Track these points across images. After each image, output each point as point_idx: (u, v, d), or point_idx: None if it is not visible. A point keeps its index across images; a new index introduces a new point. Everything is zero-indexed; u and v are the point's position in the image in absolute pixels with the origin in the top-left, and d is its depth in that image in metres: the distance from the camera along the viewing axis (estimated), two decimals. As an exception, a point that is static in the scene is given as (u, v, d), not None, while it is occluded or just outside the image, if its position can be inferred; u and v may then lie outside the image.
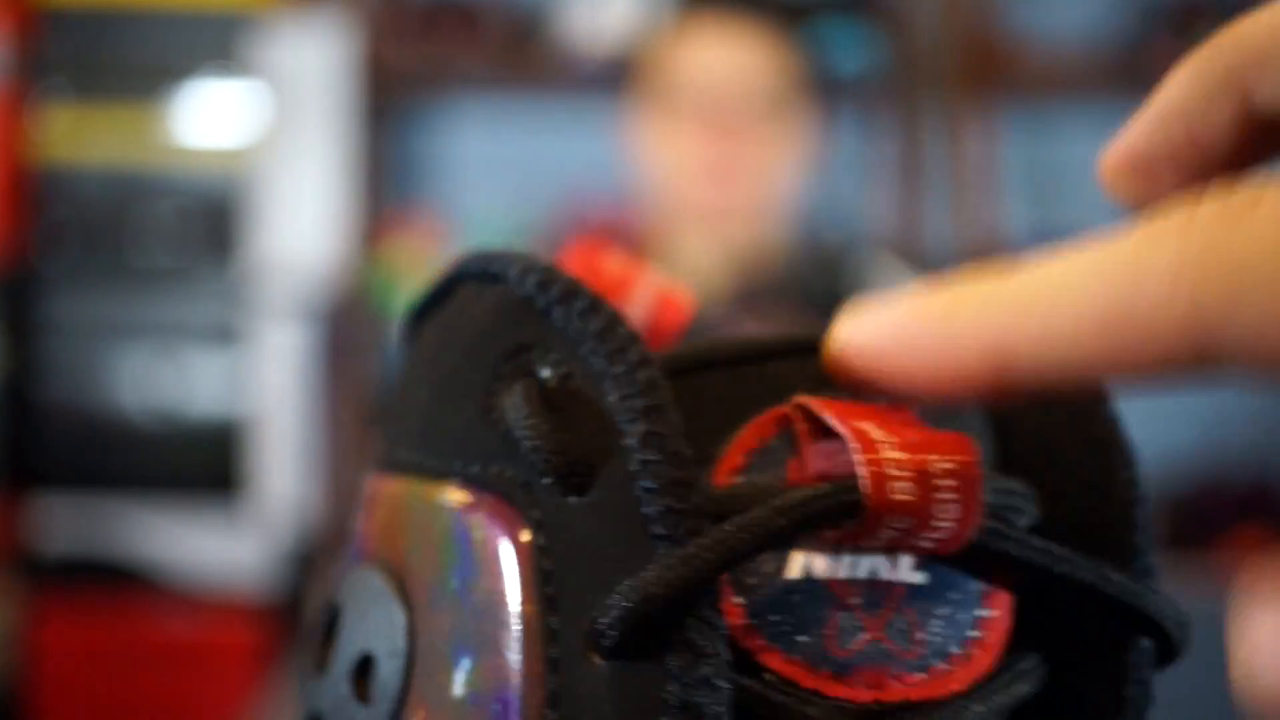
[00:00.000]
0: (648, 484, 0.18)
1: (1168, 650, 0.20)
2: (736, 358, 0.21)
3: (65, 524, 2.02)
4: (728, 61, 1.13)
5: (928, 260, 2.01)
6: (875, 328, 0.19)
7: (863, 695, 0.19)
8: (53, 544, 2.02)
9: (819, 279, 1.15)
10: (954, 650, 0.19)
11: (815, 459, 0.19)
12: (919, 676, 0.19)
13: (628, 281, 0.28)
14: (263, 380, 2.02)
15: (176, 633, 1.98)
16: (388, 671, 0.21)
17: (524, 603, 0.19)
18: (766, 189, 1.15)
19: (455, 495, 0.21)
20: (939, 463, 0.18)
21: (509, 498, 0.20)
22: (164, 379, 2.08)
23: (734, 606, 0.19)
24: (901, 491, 0.18)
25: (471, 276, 0.22)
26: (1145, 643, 0.20)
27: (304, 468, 2.02)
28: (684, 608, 0.18)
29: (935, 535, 0.18)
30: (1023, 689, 0.19)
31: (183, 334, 2.08)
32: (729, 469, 0.20)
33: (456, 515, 0.20)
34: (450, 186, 2.16)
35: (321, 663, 0.23)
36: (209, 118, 2.08)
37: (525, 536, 0.19)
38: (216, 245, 2.06)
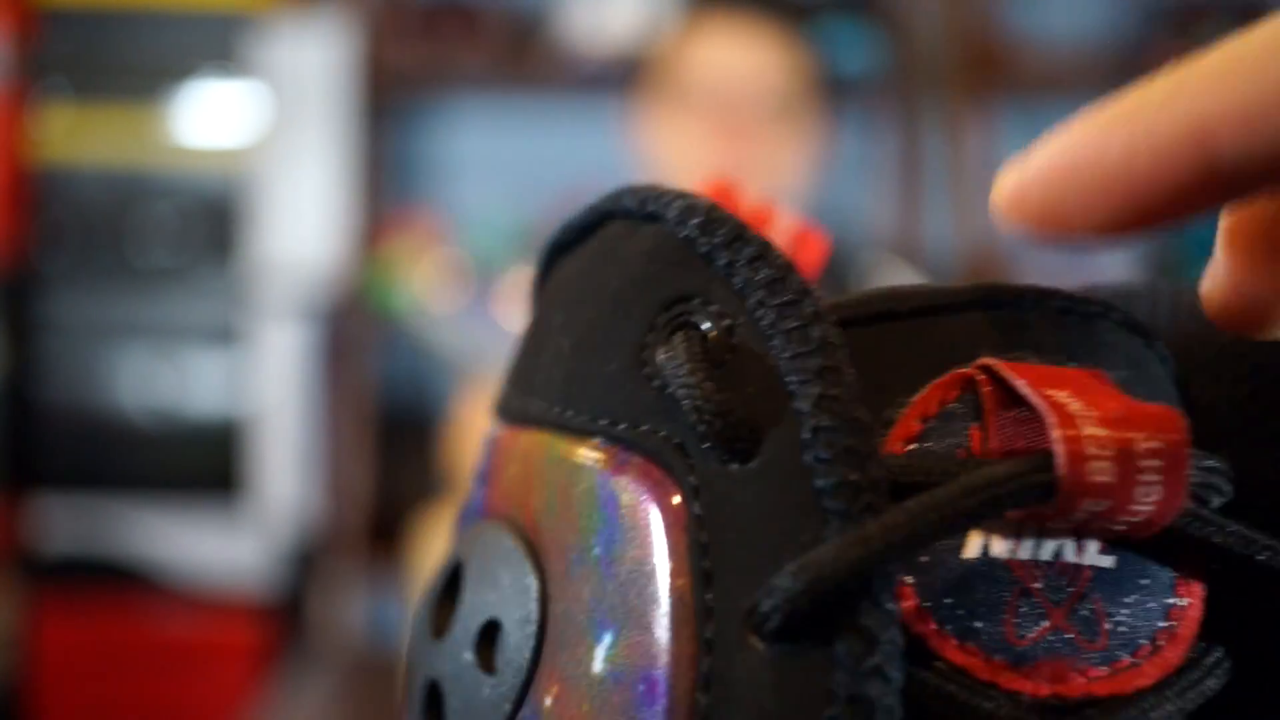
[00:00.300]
0: (821, 453, 0.17)
1: None
2: (915, 309, 0.19)
3: (65, 524, 2.03)
4: (740, 62, 1.13)
5: (927, 260, 2.01)
6: (1054, 152, 0.17)
7: (1043, 689, 0.17)
8: (53, 544, 2.03)
9: (825, 281, 1.15)
10: (1142, 642, 0.18)
11: (1002, 430, 0.18)
12: (1103, 670, 0.17)
13: (764, 218, 0.26)
14: (263, 380, 2.02)
15: (176, 633, 1.99)
16: (517, 641, 0.19)
17: (676, 576, 0.18)
18: (774, 190, 1.15)
19: (601, 455, 0.19)
20: (1144, 441, 0.17)
21: (662, 461, 0.18)
22: (164, 379, 2.08)
23: (905, 588, 0.17)
24: (1100, 472, 0.16)
25: (623, 213, 0.20)
26: None
27: (304, 468, 2.02)
28: (857, 591, 0.16)
29: (1131, 519, 0.17)
30: (1212, 685, 0.18)
31: (183, 334, 2.08)
32: (903, 436, 0.18)
33: (602, 476, 0.19)
34: (450, 186, 2.16)
35: (440, 625, 0.21)
36: (209, 118, 2.08)
37: (680, 504, 0.18)
38: (216, 245, 2.06)
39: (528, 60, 2.02)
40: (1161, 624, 0.18)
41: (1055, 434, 0.16)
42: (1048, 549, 0.17)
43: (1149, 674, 0.18)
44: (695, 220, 0.19)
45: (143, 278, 2.07)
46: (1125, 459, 0.16)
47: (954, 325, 0.19)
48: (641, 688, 0.17)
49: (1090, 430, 0.17)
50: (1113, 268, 2.04)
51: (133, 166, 2.08)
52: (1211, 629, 0.18)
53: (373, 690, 1.22)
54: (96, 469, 2.06)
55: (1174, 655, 0.18)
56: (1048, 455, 0.17)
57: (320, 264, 2.00)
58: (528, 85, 2.04)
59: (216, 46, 2.05)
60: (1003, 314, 0.19)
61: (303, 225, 2.00)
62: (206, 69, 2.07)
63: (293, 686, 1.25)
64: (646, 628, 0.18)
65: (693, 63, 1.14)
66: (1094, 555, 0.18)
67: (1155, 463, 0.17)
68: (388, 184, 2.11)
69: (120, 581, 2.00)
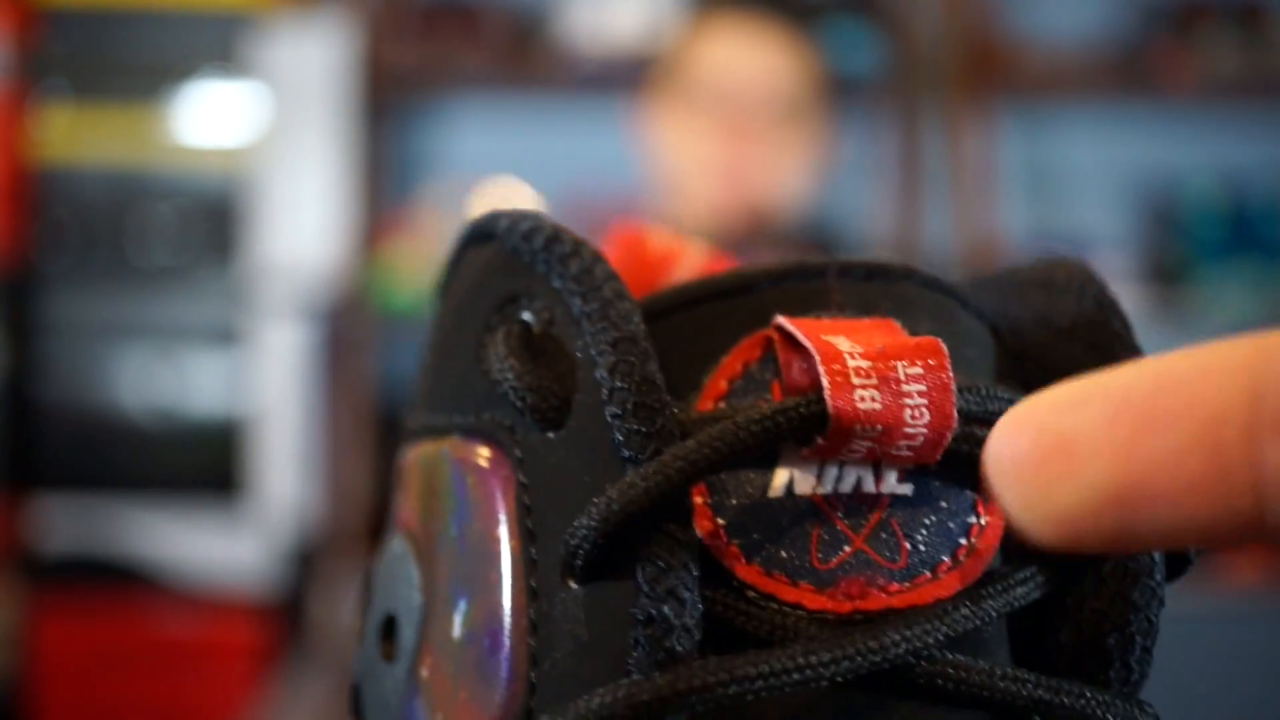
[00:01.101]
0: (615, 410, 0.19)
1: (1181, 561, 0.20)
2: (727, 290, 0.21)
3: (65, 524, 2.03)
4: (750, 63, 1.13)
5: (927, 260, 2.01)
6: (1105, 468, 0.15)
7: (844, 606, 0.19)
8: (52, 544, 2.03)
9: None
10: (943, 559, 0.19)
11: (794, 378, 0.19)
12: (903, 585, 0.19)
13: (671, 257, 0.28)
14: (263, 380, 2.02)
15: (176, 632, 1.99)
16: (406, 628, 0.21)
17: (509, 538, 0.20)
18: (777, 191, 1.15)
19: (452, 446, 0.21)
20: (906, 368, 0.18)
21: (497, 441, 0.20)
22: (164, 379, 2.08)
23: (714, 526, 0.19)
24: (867, 399, 0.18)
25: (473, 239, 0.23)
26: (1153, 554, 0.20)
27: (304, 468, 2.02)
28: (649, 525, 0.18)
29: (910, 443, 0.18)
30: (1017, 595, 0.19)
31: (183, 334, 2.08)
32: (713, 395, 0.20)
33: (454, 464, 0.21)
34: (444, 181, 2.15)
35: (359, 632, 0.24)
36: (209, 118, 2.08)
37: (509, 475, 0.20)
38: (217, 245, 2.06)
39: (528, 60, 2.02)
40: (962, 541, 0.19)
41: (821, 368, 0.18)
42: (848, 481, 0.19)
43: (949, 586, 0.19)
44: (520, 231, 0.21)
45: (143, 278, 2.07)
46: (889, 384, 0.18)
47: (764, 298, 0.20)
48: (487, 642, 0.20)
49: (856, 362, 0.18)
50: (1113, 268, 2.04)
51: (133, 166, 2.08)
52: (1019, 547, 0.19)
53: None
54: (96, 469, 2.06)
55: (974, 569, 0.19)
56: (821, 390, 0.18)
57: (320, 264, 2.00)
58: (528, 85, 2.04)
59: (216, 46, 2.05)
60: (809, 284, 0.21)
61: (303, 225, 2.00)
62: (206, 69, 2.07)
63: (293, 686, 1.25)
64: (490, 588, 0.20)
65: (699, 63, 1.14)
66: (893, 484, 0.19)
67: (919, 386, 0.18)
68: (388, 184, 2.11)
69: (120, 581, 2.00)
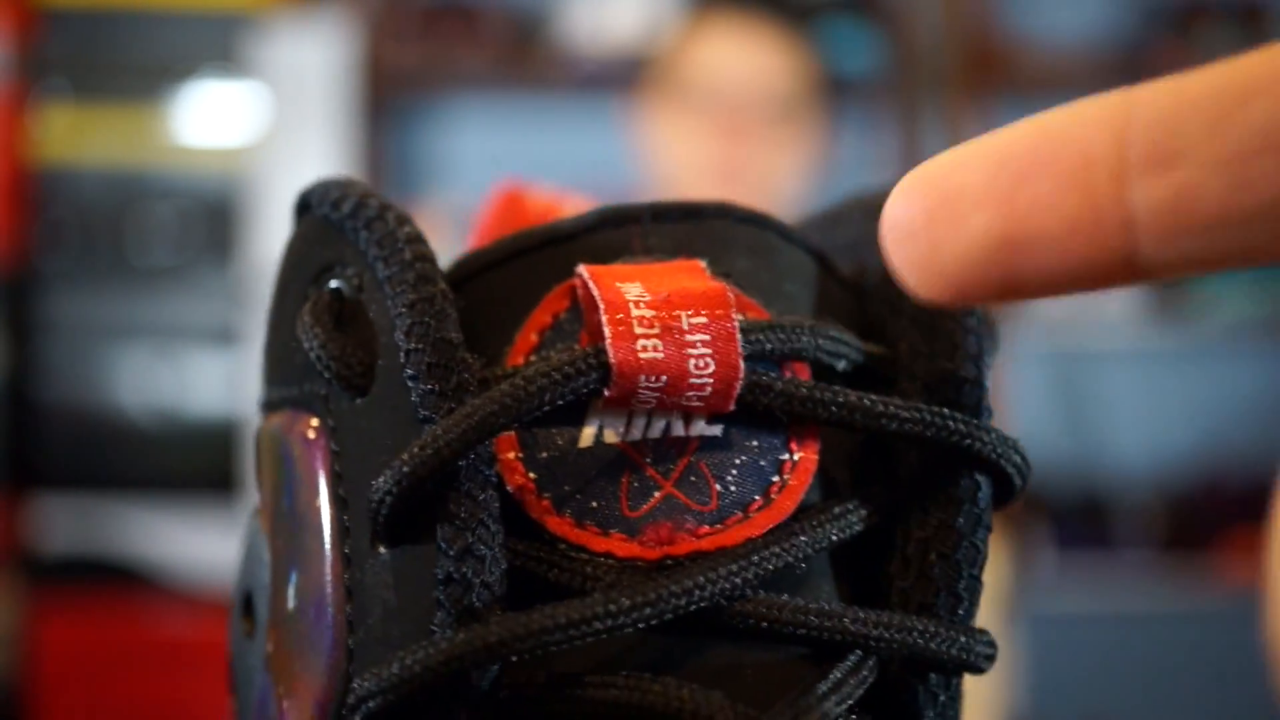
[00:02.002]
0: (411, 372, 0.19)
1: (1007, 488, 0.20)
2: (538, 242, 0.21)
3: (65, 524, 2.03)
4: (746, 62, 1.13)
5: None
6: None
7: (653, 552, 0.18)
8: (53, 543, 2.03)
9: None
10: (755, 498, 0.19)
11: (592, 329, 0.19)
12: (713, 527, 0.19)
13: (551, 213, 0.28)
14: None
15: (176, 632, 1.99)
16: (259, 603, 0.22)
17: (327, 506, 0.20)
18: (772, 192, 1.15)
19: (283, 419, 0.21)
20: (690, 317, 0.18)
21: (315, 411, 0.20)
22: (163, 379, 2.08)
23: (525, 480, 0.19)
24: (649, 349, 0.18)
25: (298, 210, 0.23)
26: (978, 478, 0.19)
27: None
28: (448, 485, 0.18)
29: (698, 392, 0.18)
30: (832, 530, 0.19)
31: (182, 334, 2.08)
32: (523, 349, 0.20)
33: (281, 438, 0.21)
34: (450, 187, 2.16)
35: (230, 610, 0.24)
36: (209, 118, 2.08)
37: (324, 444, 0.20)
38: (216, 245, 2.06)
39: (528, 60, 2.02)
40: (774, 479, 0.19)
41: (604, 318, 0.18)
42: (657, 427, 0.19)
43: (760, 524, 0.19)
44: (330, 199, 0.21)
45: (143, 277, 2.07)
46: (672, 334, 0.18)
47: (575, 248, 0.20)
48: (313, 612, 0.20)
49: (639, 312, 0.18)
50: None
51: (133, 166, 2.08)
52: (837, 480, 0.19)
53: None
54: (96, 469, 2.06)
55: (787, 505, 0.19)
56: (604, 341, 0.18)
57: (320, 264, 2.00)
58: (528, 85, 2.05)
59: (216, 46, 2.05)
60: (622, 230, 0.21)
61: (303, 225, 2.00)
62: (206, 69, 2.07)
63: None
64: (312, 558, 0.20)
65: (694, 62, 1.14)
66: (701, 427, 0.19)
67: (703, 336, 0.18)
68: (388, 184, 2.11)
69: (120, 581, 2.00)
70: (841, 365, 0.20)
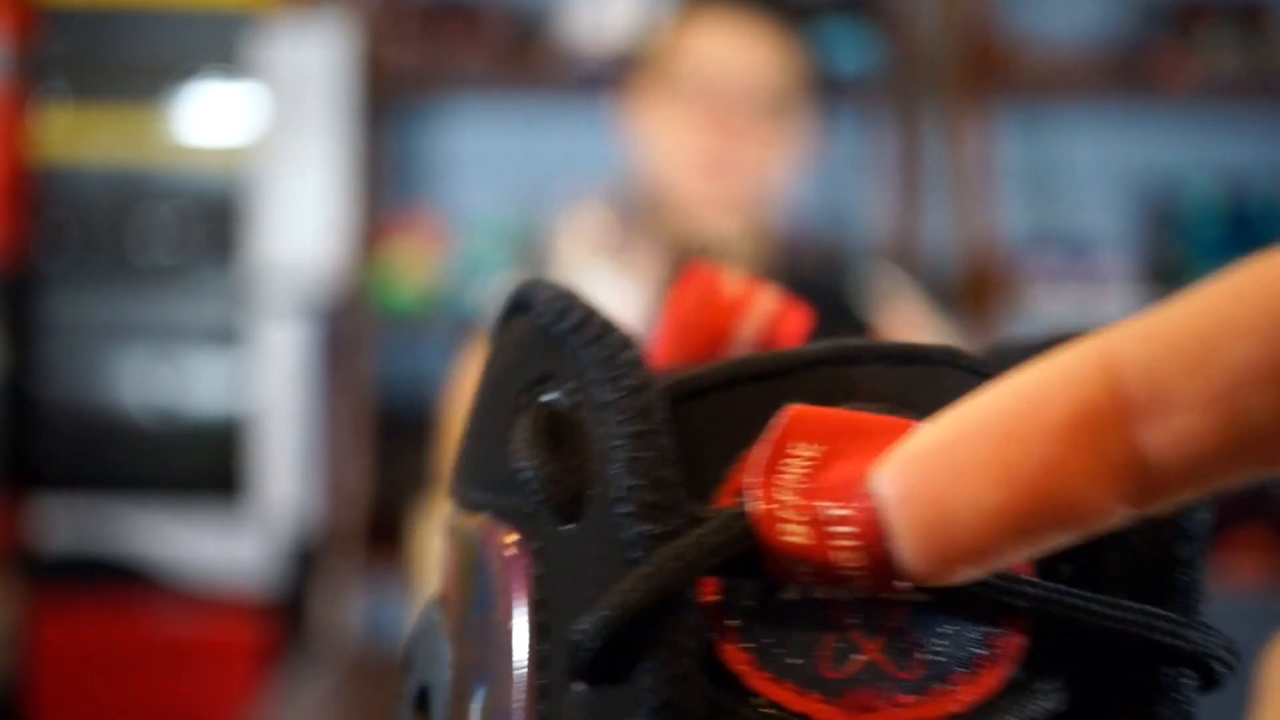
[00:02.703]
0: (624, 509, 0.18)
1: (1211, 679, 0.19)
2: (761, 374, 0.20)
3: (66, 523, 2.03)
4: (736, 56, 1.13)
5: (927, 260, 2.01)
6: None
7: (851, 718, 0.18)
8: (53, 543, 2.03)
9: (822, 282, 1.16)
10: (958, 670, 0.19)
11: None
12: (914, 697, 0.18)
13: (744, 302, 0.28)
14: (263, 380, 2.02)
15: (177, 632, 1.99)
16: (438, 703, 0.22)
17: (522, 631, 0.19)
18: (761, 185, 1.15)
19: (483, 526, 0.21)
20: (831, 509, 0.18)
21: (519, 528, 0.20)
22: (164, 379, 2.08)
23: (726, 628, 0.19)
24: (795, 534, 0.18)
25: (513, 308, 0.23)
26: (1183, 669, 0.19)
27: (304, 467, 2.02)
28: (654, 629, 0.18)
29: (853, 582, 0.18)
30: (1034, 709, 0.19)
31: (183, 334, 2.08)
32: (734, 489, 0.19)
33: (480, 547, 0.21)
34: (450, 186, 2.16)
35: (399, 694, 0.24)
36: (209, 118, 2.08)
37: (527, 565, 0.20)
38: (217, 245, 2.06)
39: (528, 60, 2.02)
40: (980, 651, 0.19)
41: (750, 494, 0.18)
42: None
43: (962, 699, 0.18)
44: (552, 308, 0.21)
45: (143, 277, 2.07)
46: (816, 524, 0.18)
47: (797, 383, 0.20)
48: None
49: (784, 496, 0.18)
50: (1113, 268, 2.04)
51: (133, 166, 2.09)
52: (1043, 658, 0.19)
53: (372, 689, 1.23)
54: (97, 468, 2.06)
55: (990, 681, 0.19)
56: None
57: (320, 264, 2.00)
58: (528, 85, 2.05)
59: (217, 46, 2.05)
60: (846, 369, 0.20)
61: (302, 225, 2.01)
62: (207, 69, 2.07)
63: (293, 685, 1.25)
64: (503, 680, 0.20)
65: (688, 54, 1.14)
66: (911, 592, 0.19)
67: (848, 529, 0.18)
68: (388, 184, 2.11)
69: (120, 581, 2.00)
70: (1065, 561, 0.20)
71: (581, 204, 1.18)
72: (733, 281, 0.29)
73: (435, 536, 1.02)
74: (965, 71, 2.02)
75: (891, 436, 0.18)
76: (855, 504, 0.18)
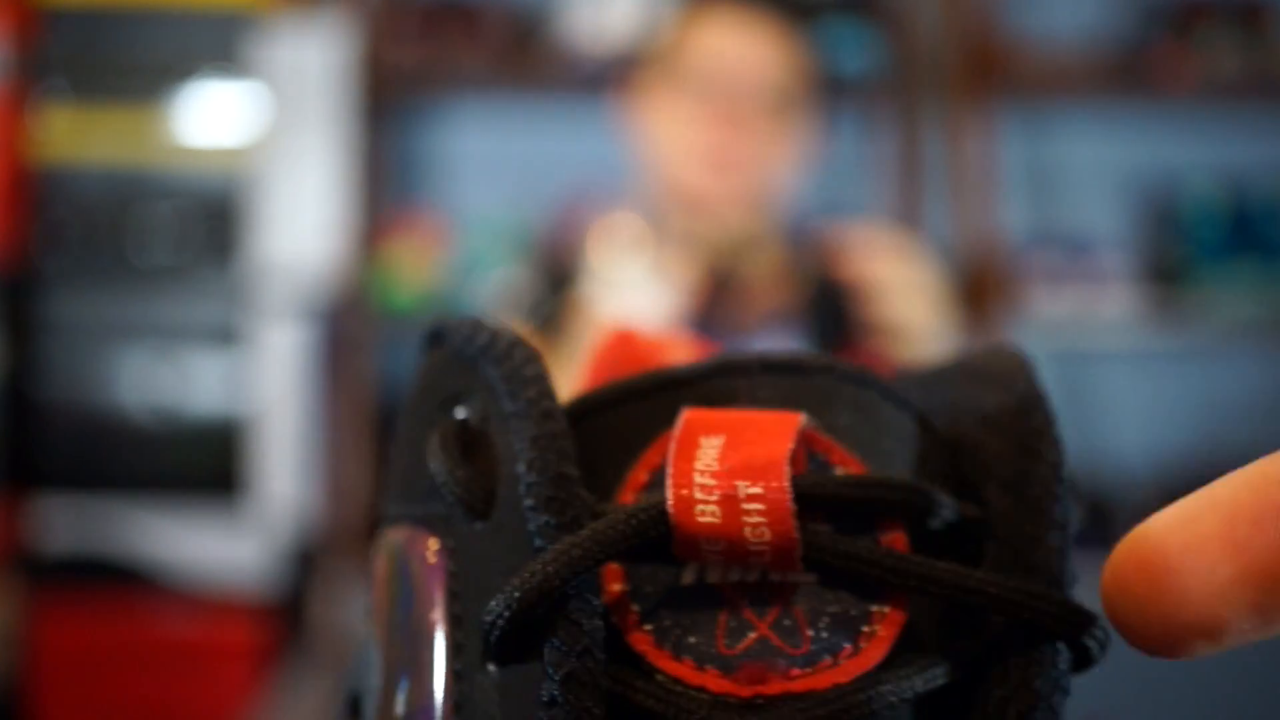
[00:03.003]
0: (530, 502, 0.20)
1: (1084, 658, 0.21)
2: (654, 386, 0.22)
3: (66, 524, 2.03)
4: (741, 52, 1.13)
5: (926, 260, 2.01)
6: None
7: (745, 690, 0.19)
8: (53, 543, 2.03)
9: (809, 262, 1.16)
10: (844, 645, 0.20)
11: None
12: (804, 670, 0.20)
13: (661, 350, 0.30)
14: (263, 380, 2.02)
15: (177, 632, 1.99)
16: (368, 707, 0.23)
17: (439, 623, 0.21)
18: (762, 183, 1.15)
19: (402, 535, 0.23)
20: (746, 487, 0.19)
21: (434, 531, 0.22)
22: (164, 379, 2.08)
23: (629, 611, 0.20)
24: (708, 514, 0.19)
25: (431, 341, 0.25)
26: (1059, 645, 0.20)
27: (304, 467, 2.02)
28: (557, 611, 0.19)
29: (758, 557, 0.19)
30: (916, 682, 0.20)
31: (183, 334, 2.08)
32: (634, 487, 0.21)
33: (400, 552, 0.23)
34: (450, 186, 2.16)
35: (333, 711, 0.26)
36: (209, 118, 2.08)
37: (441, 562, 0.21)
38: (217, 245, 2.06)
39: (528, 60, 2.02)
40: (865, 628, 0.20)
41: (669, 480, 0.20)
42: (755, 570, 0.20)
43: (849, 671, 0.20)
44: (462, 334, 0.23)
45: (143, 277, 2.07)
46: (730, 502, 0.19)
47: (688, 393, 0.22)
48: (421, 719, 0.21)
49: (702, 479, 0.20)
50: (1113, 268, 2.04)
51: (133, 166, 2.09)
52: (924, 633, 0.20)
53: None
54: (97, 468, 2.06)
55: (874, 655, 0.20)
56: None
57: (320, 264, 2.00)
58: (528, 85, 2.05)
59: (217, 46, 2.05)
60: (733, 380, 0.22)
61: (303, 225, 2.01)
62: (207, 69, 2.07)
63: (292, 686, 1.25)
64: (423, 670, 0.21)
65: (693, 50, 1.14)
66: (797, 574, 0.20)
67: (758, 506, 0.19)
68: (388, 184, 2.11)
69: (120, 581, 2.00)
70: (935, 523, 0.21)
71: (612, 213, 1.19)
72: (648, 337, 0.31)
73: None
74: (965, 71, 2.02)
75: (784, 426, 0.20)
76: (763, 482, 0.19)
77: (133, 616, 1.99)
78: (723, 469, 0.20)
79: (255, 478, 2.02)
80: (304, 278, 1.99)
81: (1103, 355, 2.14)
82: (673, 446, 0.20)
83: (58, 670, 1.98)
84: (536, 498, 0.20)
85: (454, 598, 0.21)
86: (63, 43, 2.07)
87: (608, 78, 1.69)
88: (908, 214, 2.02)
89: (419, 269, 2.03)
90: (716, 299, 1.09)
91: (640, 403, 0.22)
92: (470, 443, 0.22)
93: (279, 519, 2.00)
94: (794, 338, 1.09)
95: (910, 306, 1.09)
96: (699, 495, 0.20)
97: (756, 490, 0.19)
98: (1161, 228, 2.12)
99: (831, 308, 1.10)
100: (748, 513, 0.19)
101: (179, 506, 2.03)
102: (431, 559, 0.22)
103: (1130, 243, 2.11)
